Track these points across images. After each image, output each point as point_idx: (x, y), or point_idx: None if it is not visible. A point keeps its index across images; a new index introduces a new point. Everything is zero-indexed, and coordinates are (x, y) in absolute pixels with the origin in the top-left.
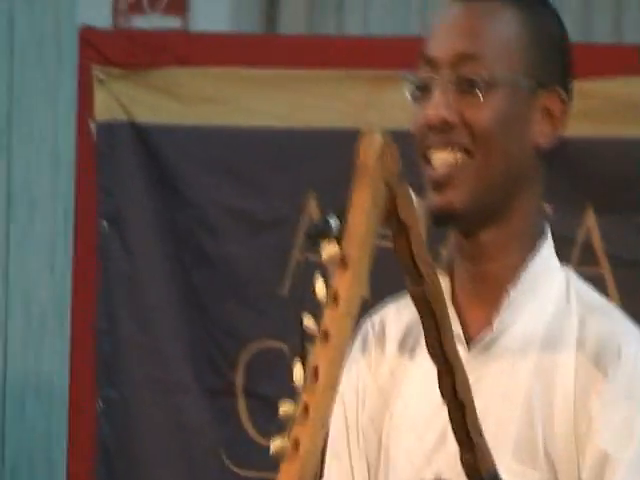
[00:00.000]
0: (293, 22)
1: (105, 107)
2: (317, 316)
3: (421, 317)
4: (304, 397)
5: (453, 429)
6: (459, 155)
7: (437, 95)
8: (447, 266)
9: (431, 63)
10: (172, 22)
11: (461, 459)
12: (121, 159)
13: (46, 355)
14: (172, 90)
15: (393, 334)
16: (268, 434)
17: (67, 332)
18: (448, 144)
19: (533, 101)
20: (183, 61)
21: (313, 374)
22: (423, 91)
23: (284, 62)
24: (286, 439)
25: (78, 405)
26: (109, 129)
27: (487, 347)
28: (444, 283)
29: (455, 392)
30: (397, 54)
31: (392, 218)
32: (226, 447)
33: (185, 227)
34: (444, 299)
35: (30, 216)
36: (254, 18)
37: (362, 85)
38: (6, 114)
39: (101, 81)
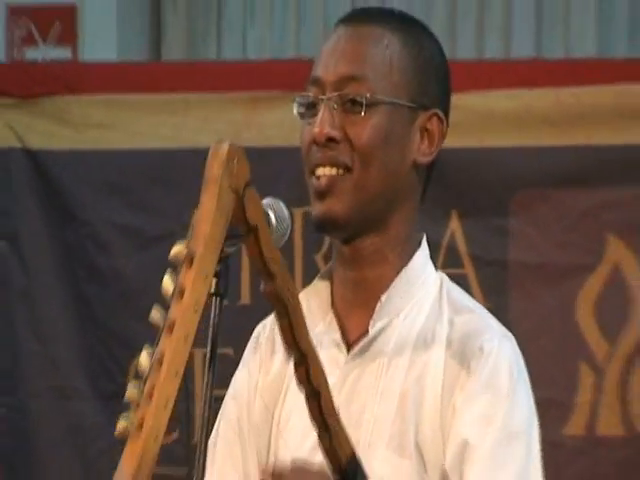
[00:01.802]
0: (176, 49)
1: (0, 135)
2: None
3: (276, 314)
4: (149, 382)
5: (311, 416)
6: (340, 171)
7: (323, 114)
8: (328, 275)
9: (318, 83)
10: (63, 53)
11: (320, 445)
12: (16, 183)
13: None
14: (63, 117)
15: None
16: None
17: None
18: (331, 161)
19: (412, 121)
20: (73, 89)
21: (158, 361)
22: (310, 110)
23: (168, 87)
24: (130, 421)
25: None
26: (4, 155)
27: (364, 350)
28: (324, 291)
29: (309, 380)
30: (272, 76)
31: (241, 221)
32: (121, 447)
33: (77, 244)
34: (297, 295)
35: None
36: (140, 47)
37: (240, 106)
38: None
39: None
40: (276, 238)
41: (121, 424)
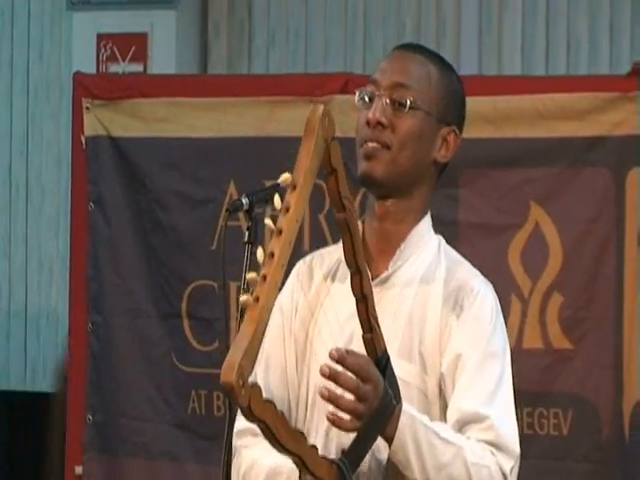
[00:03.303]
0: (218, 66)
1: (91, 126)
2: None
3: (342, 236)
4: (264, 270)
5: (359, 315)
6: (382, 147)
7: (376, 105)
8: (361, 225)
9: (375, 84)
10: (136, 68)
11: (363, 338)
12: (102, 160)
13: (54, 293)
14: (137, 114)
15: (318, 270)
16: (203, 342)
17: (67, 278)
18: (377, 139)
19: (437, 130)
20: (144, 94)
21: (270, 255)
22: (367, 102)
23: (212, 93)
24: (250, 296)
25: (75, 326)
26: (94, 140)
27: (384, 281)
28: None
29: (362, 288)
30: (288, 86)
31: (327, 164)
32: (175, 352)
33: (146, 205)
34: (357, 224)
35: (42, 199)
36: (192, 64)
37: (264, 107)
38: (24, 131)
39: (88, 108)
40: None
41: (243, 298)
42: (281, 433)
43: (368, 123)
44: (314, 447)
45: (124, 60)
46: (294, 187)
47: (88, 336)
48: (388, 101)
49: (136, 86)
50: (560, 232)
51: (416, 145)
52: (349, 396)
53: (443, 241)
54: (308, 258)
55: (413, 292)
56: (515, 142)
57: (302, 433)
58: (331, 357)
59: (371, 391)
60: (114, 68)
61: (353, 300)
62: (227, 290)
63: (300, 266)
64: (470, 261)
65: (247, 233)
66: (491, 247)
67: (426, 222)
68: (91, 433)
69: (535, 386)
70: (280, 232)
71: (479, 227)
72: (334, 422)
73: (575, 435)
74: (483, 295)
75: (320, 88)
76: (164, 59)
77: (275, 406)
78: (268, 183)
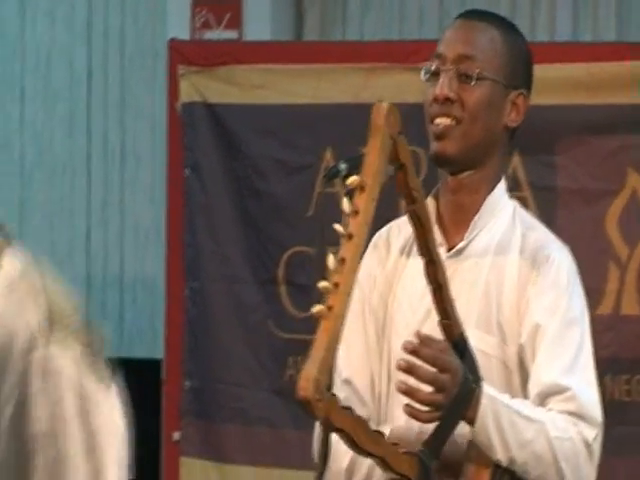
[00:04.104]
0: (313, 32)
1: (186, 93)
2: (342, 225)
3: (414, 227)
4: (335, 277)
5: (434, 302)
6: (453, 122)
7: (443, 80)
8: (434, 197)
9: (440, 57)
10: (231, 35)
11: (440, 323)
12: (198, 127)
13: (150, 260)
14: (232, 80)
15: (395, 241)
16: (300, 309)
17: (164, 245)
18: (447, 113)
19: (506, 95)
20: (239, 61)
21: (341, 262)
22: (434, 76)
23: (307, 60)
24: (323, 305)
25: (172, 293)
26: (190, 107)
27: (459, 252)
28: (432, 207)
29: (436, 276)
30: (382, 53)
31: (395, 160)
32: (272, 318)
33: (242, 172)
34: (428, 215)
35: (138, 166)
36: (287, 31)
37: (359, 74)
38: (119, 99)
39: (183, 75)
40: None
41: (316, 308)
42: (361, 438)
43: (436, 99)
44: (395, 444)
45: (219, 27)
46: (362, 189)
47: (185, 302)
48: (454, 75)
49: (231, 53)
50: None
51: (486, 115)
52: (427, 387)
53: (518, 206)
54: (385, 230)
55: (489, 262)
56: (611, 108)
57: (381, 433)
58: (405, 349)
59: (449, 380)
60: (209, 35)
61: None
62: (324, 256)
63: (377, 239)
64: (567, 227)
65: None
66: (588, 214)
67: (500, 189)
68: (188, 399)
69: (633, 353)
70: (350, 236)
71: (576, 194)
72: (412, 414)
73: None
74: (559, 261)
75: (415, 54)
76: (258, 26)
77: (352, 411)
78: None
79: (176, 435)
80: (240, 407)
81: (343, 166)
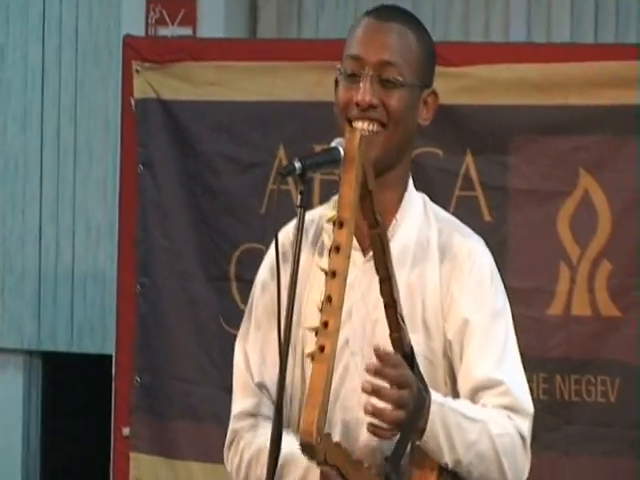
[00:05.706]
0: (268, 30)
1: (141, 89)
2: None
3: (374, 249)
4: (323, 316)
5: (387, 318)
6: (376, 126)
7: (365, 85)
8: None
9: (358, 60)
10: (186, 31)
11: (391, 337)
12: (152, 123)
13: (101, 255)
14: (186, 77)
15: (305, 242)
16: None
17: (115, 240)
18: (369, 118)
19: (420, 96)
20: (194, 57)
21: (327, 300)
22: (351, 77)
23: (262, 57)
24: (314, 346)
25: (123, 288)
26: (144, 103)
27: None
28: None
29: (392, 293)
30: (337, 51)
31: (363, 186)
32: (223, 315)
33: (195, 169)
34: (388, 238)
35: (91, 162)
36: (241, 27)
37: (314, 71)
38: (73, 94)
39: (138, 71)
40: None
41: (308, 351)
42: (349, 471)
43: (358, 104)
44: (369, 468)
45: (173, 23)
46: (341, 224)
47: (136, 298)
48: (376, 80)
49: (186, 49)
50: (609, 200)
51: (407, 118)
52: (385, 405)
53: (427, 199)
54: (291, 232)
55: (409, 261)
56: (565, 109)
57: (361, 462)
58: (368, 371)
59: (408, 395)
60: (163, 31)
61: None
62: (277, 253)
63: (284, 240)
64: (519, 227)
65: (300, 197)
66: (540, 214)
67: (411, 184)
68: (139, 395)
69: (583, 353)
70: (334, 274)
71: (528, 194)
72: (376, 433)
73: (622, 402)
74: (481, 256)
75: None
76: (213, 23)
77: (340, 445)
78: (318, 148)
79: (126, 431)
80: (190, 403)
81: (297, 164)
